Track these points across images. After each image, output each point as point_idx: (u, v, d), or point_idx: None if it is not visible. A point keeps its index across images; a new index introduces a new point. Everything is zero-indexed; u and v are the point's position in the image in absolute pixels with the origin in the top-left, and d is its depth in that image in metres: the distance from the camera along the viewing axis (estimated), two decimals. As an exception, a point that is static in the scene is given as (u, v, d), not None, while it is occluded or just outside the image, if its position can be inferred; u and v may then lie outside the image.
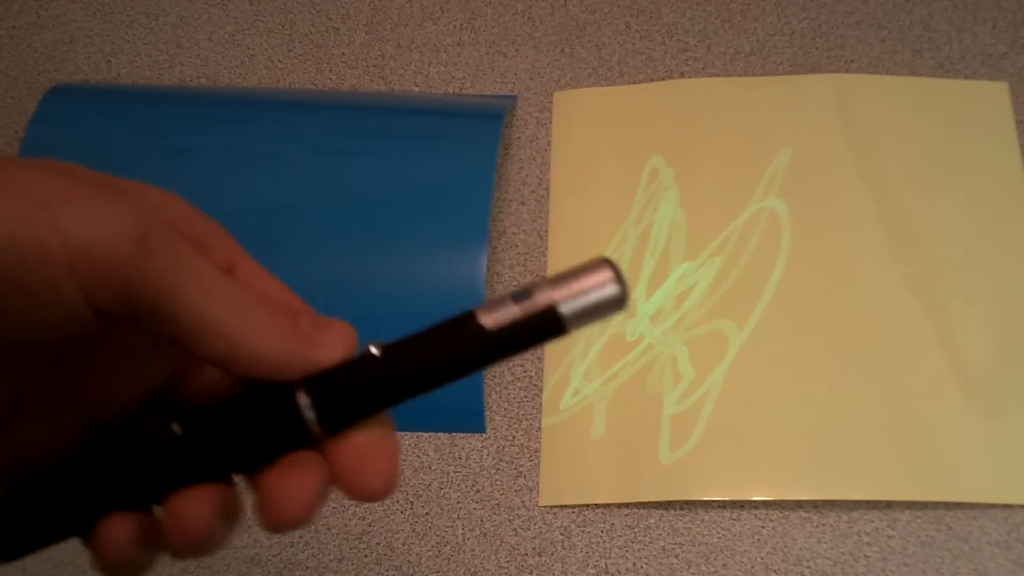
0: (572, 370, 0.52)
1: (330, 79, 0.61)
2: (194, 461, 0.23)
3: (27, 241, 0.19)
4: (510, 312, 0.22)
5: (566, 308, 0.22)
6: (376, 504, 0.50)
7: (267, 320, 0.22)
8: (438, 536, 0.50)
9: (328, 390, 0.23)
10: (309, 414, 0.23)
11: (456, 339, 0.23)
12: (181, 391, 0.25)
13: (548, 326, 0.23)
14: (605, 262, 0.23)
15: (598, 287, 0.22)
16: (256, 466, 0.23)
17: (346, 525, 0.50)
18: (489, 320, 0.23)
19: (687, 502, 0.49)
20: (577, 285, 0.22)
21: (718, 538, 0.49)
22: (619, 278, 0.22)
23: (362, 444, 0.23)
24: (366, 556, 0.50)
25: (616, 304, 0.23)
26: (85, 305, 0.20)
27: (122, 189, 0.22)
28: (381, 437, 0.23)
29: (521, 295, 0.23)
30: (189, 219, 0.24)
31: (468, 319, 0.23)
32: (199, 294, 0.21)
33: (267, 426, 0.23)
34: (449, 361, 0.23)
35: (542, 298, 0.22)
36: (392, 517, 0.50)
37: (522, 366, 0.53)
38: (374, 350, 0.24)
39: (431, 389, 0.23)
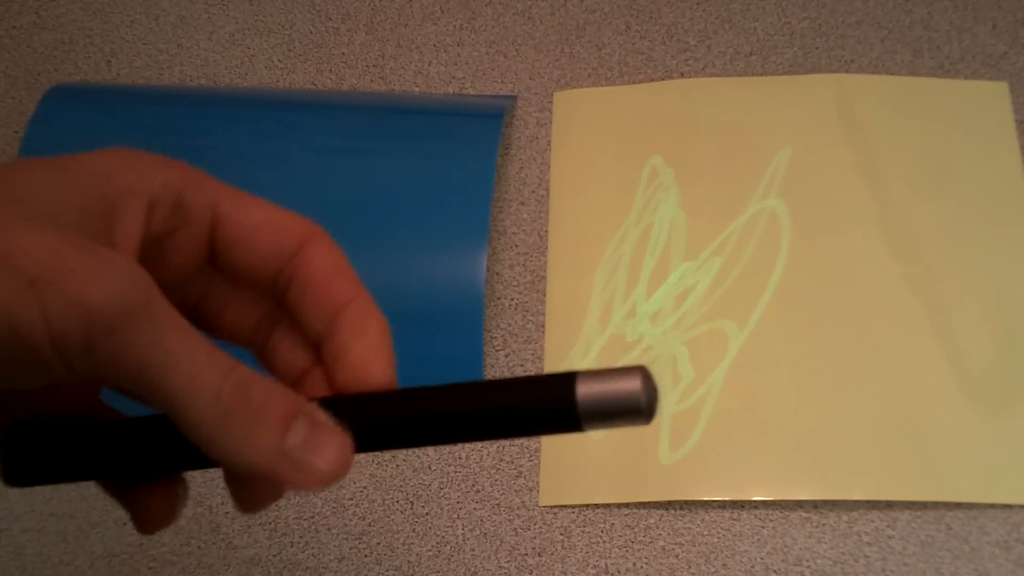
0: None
1: (330, 79, 0.61)
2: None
3: (15, 321, 0.19)
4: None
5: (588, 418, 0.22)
6: (376, 504, 0.51)
7: (250, 432, 0.21)
8: (438, 536, 0.50)
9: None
10: None
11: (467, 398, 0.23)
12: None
13: (565, 421, 0.22)
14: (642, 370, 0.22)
15: (626, 399, 0.22)
16: None
17: (346, 525, 0.50)
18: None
19: (687, 502, 0.49)
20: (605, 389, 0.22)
21: (718, 538, 0.49)
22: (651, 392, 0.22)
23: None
24: (366, 556, 0.50)
25: (638, 417, 0.22)
26: (67, 372, 0.21)
27: (108, 233, 0.22)
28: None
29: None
30: (164, 185, 0.24)
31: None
32: (181, 385, 0.21)
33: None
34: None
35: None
36: (392, 517, 0.50)
37: (522, 366, 0.53)
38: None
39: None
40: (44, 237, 0.20)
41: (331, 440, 0.22)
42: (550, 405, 0.22)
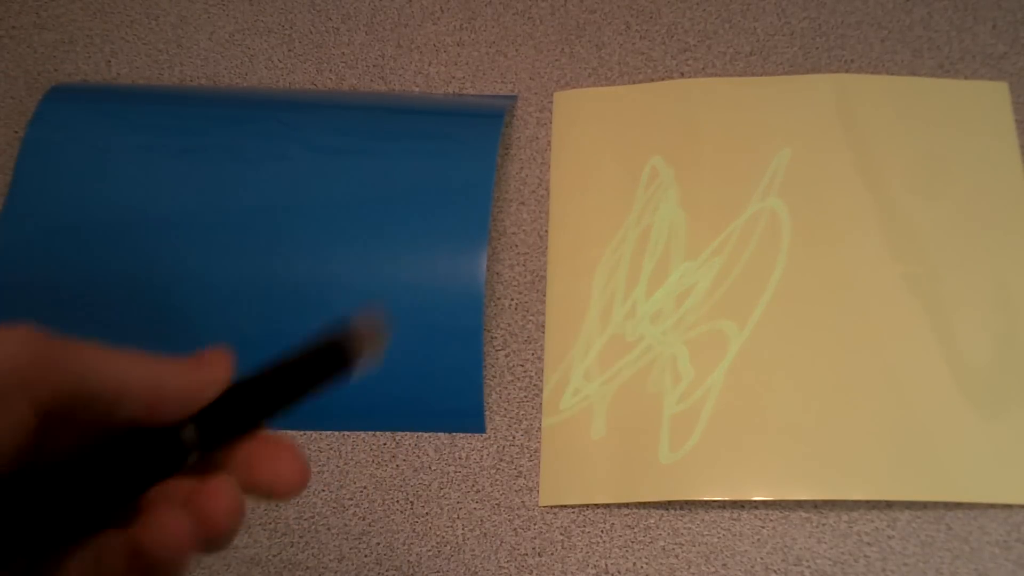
0: (572, 370, 0.52)
1: (330, 79, 0.61)
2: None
3: None
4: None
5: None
6: (376, 504, 0.51)
7: (174, 367, 0.26)
8: (438, 536, 0.50)
9: (205, 416, 0.26)
10: (190, 436, 0.26)
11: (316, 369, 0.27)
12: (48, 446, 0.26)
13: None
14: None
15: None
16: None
17: (346, 525, 0.50)
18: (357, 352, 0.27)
19: (687, 502, 0.49)
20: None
21: (718, 538, 0.49)
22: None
23: (252, 452, 0.27)
24: (366, 556, 0.50)
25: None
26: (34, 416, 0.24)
27: None
28: (267, 443, 0.27)
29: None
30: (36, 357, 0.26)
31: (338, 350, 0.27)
32: (112, 367, 0.25)
33: (151, 454, 0.26)
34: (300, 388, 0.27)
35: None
36: (392, 517, 0.50)
37: (522, 366, 0.53)
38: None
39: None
40: None
41: (210, 352, 0.27)
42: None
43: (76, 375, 0.25)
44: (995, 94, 0.57)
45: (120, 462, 0.25)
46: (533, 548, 0.49)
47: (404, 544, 0.50)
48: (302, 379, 0.27)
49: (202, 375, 0.26)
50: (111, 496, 0.25)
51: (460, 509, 0.50)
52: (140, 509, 0.26)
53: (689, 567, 0.48)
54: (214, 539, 0.25)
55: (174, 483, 0.26)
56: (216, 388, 0.26)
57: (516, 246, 0.56)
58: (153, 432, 0.26)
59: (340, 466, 0.52)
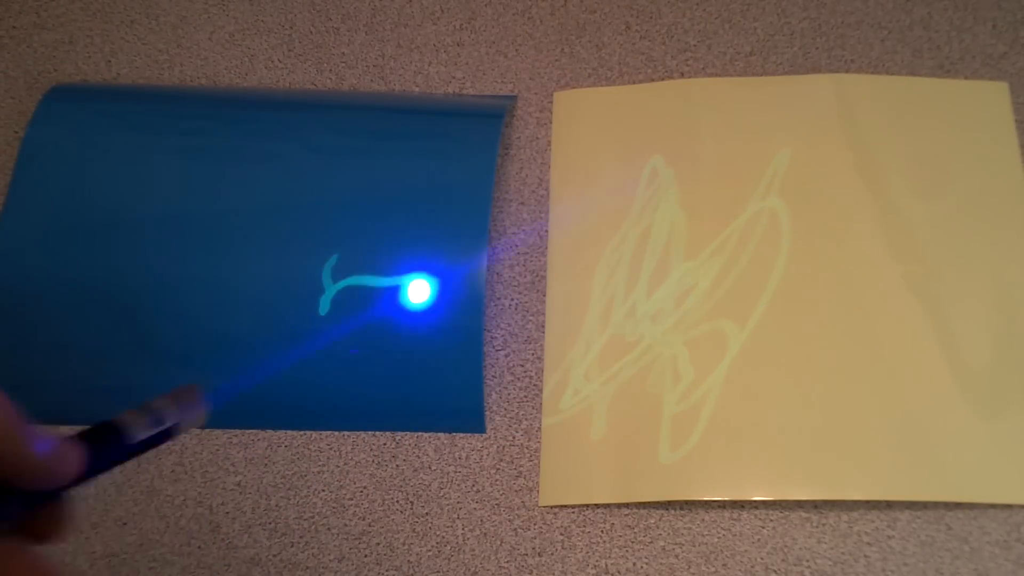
0: (572, 370, 0.52)
1: (330, 79, 0.61)
2: None
3: None
4: (146, 431, 0.31)
5: (183, 426, 0.32)
6: (376, 504, 0.51)
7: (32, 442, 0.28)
8: (438, 536, 0.50)
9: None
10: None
11: (104, 450, 0.30)
12: None
13: (167, 436, 0.32)
14: (198, 388, 0.33)
15: (199, 410, 0.33)
16: None
17: (346, 525, 0.50)
18: (132, 435, 0.31)
19: (687, 502, 0.49)
20: (190, 411, 0.33)
21: (718, 538, 0.49)
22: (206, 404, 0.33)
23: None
24: (366, 556, 0.50)
25: (203, 417, 0.34)
26: None
27: None
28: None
29: (153, 419, 0.32)
30: None
31: (114, 434, 0.31)
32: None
33: None
34: (94, 469, 0.30)
35: (170, 419, 0.32)
36: (392, 517, 0.50)
37: (522, 366, 0.53)
38: None
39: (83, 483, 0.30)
40: None
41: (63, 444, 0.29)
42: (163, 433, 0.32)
43: None
44: (995, 94, 0.57)
45: None
46: (533, 548, 0.49)
47: (404, 544, 0.50)
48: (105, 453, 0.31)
49: (65, 462, 0.29)
50: None
51: (460, 509, 0.50)
52: None
53: (689, 567, 0.48)
54: None
55: None
56: (70, 479, 0.29)
57: (516, 246, 0.56)
58: None
59: (340, 466, 0.52)
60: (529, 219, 0.56)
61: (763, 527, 0.49)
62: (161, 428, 0.32)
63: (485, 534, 0.50)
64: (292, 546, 0.50)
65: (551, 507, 0.50)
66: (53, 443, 0.28)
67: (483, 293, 0.52)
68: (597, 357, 0.52)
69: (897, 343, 0.51)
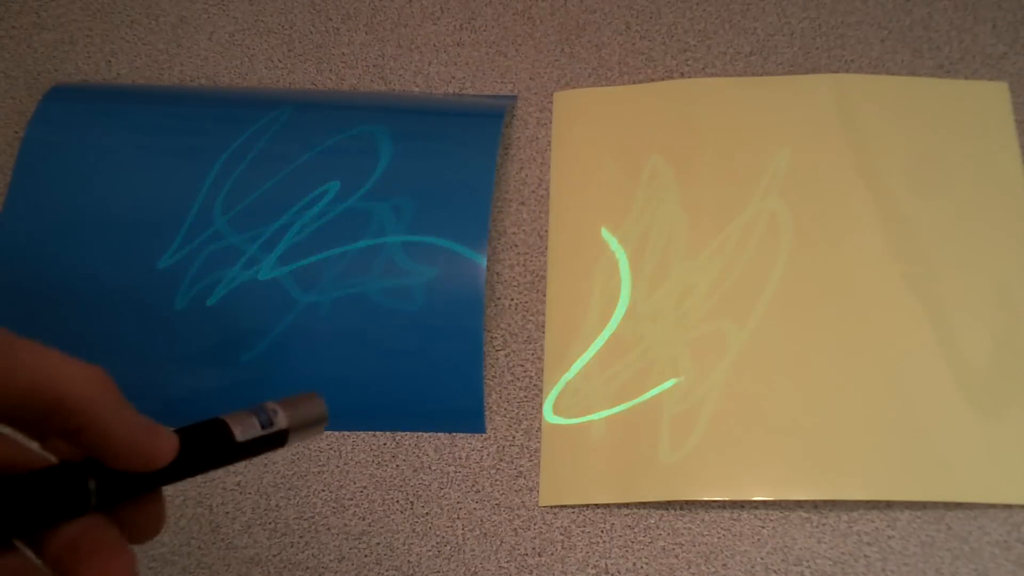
0: (572, 370, 0.52)
1: (330, 79, 0.61)
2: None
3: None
4: (255, 431, 0.29)
5: (294, 433, 0.30)
6: (376, 504, 0.51)
7: (129, 417, 0.27)
8: (438, 536, 0.50)
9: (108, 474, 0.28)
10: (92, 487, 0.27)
11: (207, 445, 0.29)
12: None
13: (276, 441, 0.30)
14: (317, 395, 0.32)
15: (318, 416, 0.32)
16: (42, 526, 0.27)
17: (346, 525, 0.50)
18: (239, 433, 0.29)
19: (687, 502, 0.49)
20: (306, 418, 0.31)
21: (718, 538, 0.49)
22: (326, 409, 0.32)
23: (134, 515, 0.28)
24: (366, 556, 0.50)
25: (322, 425, 0.32)
26: None
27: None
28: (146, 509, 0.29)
29: (265, 420, 0.30)
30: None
31: (222, 430, 0.29)
32: (56, 374, 0.26)
33: (56, 493, 0.27)
34: (200, 465, 0.29)
35: (280, 423, 0.30)
36: (392, 517, 0.50)
37: (522, 366, 0.53)
38: None
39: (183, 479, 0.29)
40: None
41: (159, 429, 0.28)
42: (272, 437, 0.30)
43: (24, 374, 0.25)
44: (995, 94, 0.57)
45: (28, 495, 0.26)
46: (533, 548, 0.49)
47: (404, 544, 0.50)
48: (208, 454, 0.29)
49: (155, 445, 0.27)
50: (10, 525, 0.26)
51: (460, 509, 0.50)
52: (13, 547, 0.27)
53: (689, 567, 0.48)
54: None
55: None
56: (160, 465, 0.27)
57: (516, 246, 0.56)
58: (62, 472, 0.27)
59: (340, 466, 0.52)
60: (529, 219, 0.56)
61: (763, 527, 0.49)
62: (270, 431, 0.30)
63: (485, 534, 0.50)
64: (292, 546, 0.50)
65: (551, 507, 0.50)
66: (148, 422, 0.27)
67: (483, 293, 0.52)
68: (597, 357, 0.52)
69: (897, 343, 0.51)
